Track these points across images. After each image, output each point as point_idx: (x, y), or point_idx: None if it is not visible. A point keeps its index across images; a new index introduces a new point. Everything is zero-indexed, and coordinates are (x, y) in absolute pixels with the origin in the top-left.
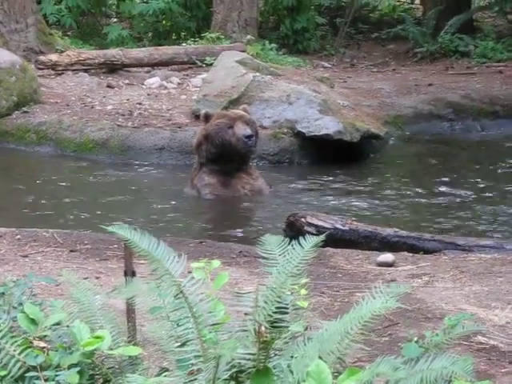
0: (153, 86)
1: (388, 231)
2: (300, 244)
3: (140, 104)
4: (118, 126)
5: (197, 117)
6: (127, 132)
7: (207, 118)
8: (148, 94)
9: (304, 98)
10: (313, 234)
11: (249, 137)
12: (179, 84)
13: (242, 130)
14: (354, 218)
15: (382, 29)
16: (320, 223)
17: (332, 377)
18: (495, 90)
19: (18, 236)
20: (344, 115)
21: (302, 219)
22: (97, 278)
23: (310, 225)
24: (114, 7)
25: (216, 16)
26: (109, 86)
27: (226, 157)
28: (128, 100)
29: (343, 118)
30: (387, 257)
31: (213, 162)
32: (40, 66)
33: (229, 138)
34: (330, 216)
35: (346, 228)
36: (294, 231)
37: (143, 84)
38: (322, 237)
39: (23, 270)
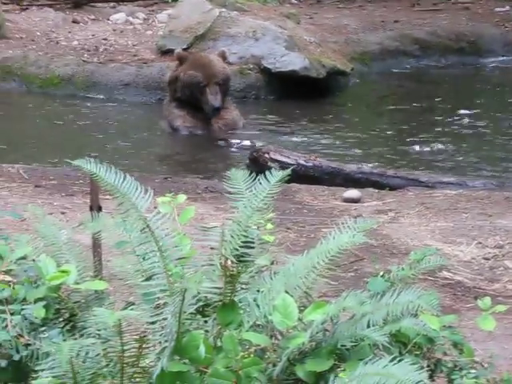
0: (118, 21)
1: (351, 167)
2: (266, 178)
3: (106, 40)
4: (84, 61)
5: (163, 52)
6: (93, 68)
7: (181, 59)
8: (114, 30)
9: (270, 34)
10: (276, 169)
11: (217, 109)
12: (145, 19)
13: (212, 98)
14: (317, 154)
15: None
16: (283, 159)
17: (298, 310)
18: (461, 27)
19: None
20: (310, 51)
21: (266, 155)
22: (62, 213)
23: (274, 160)
24: None
25: None
26: (74, 22)
27: (194, 103)
28: (93, 35)
29: (309, 54)
30: (353, 193)
31: (183, 101)
32: (5, 1)
33: (199, 96)
34: (293, 152)
35: (310, 164)
36: (257, 167)
37: (109, 19)
38: (289, 171)
39: None
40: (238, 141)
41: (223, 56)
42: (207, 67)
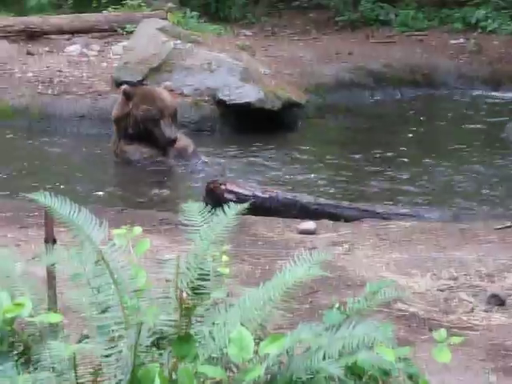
0: (73, 53)
1: (308, 199)
2: (223, 211)
3: (60, 71)
4: (39, 93)
5: (118, 84)
6: (48, 99)
7: (128, 95)
8: (68, 62)
9: (225, 66)
10: (233, 201)
11: (173, 140)
12: (100, 51)
13: (168, 131)
14: (273, 186)
15: None
16: (240, 190)
17: (254, 343)
18: (415, 59)
19: None
20: (265, 83)
21: (222, 186)
22: (17, 245)
23: (230, 192)
24: None
25: None
26: (29, 54)
27: (146, 137)
28: (48, 67)
29: (264, 86)
30: (308, 224)
31: (132, 136)
32: None
33: (153, 129)
34: (249, 183)
35: (266, 195)
36: (214, 198)
37: (63, 51)
38: (246, 205)
39: None
40: (196, 160)
41: (168, 88)
42: (159, 100)
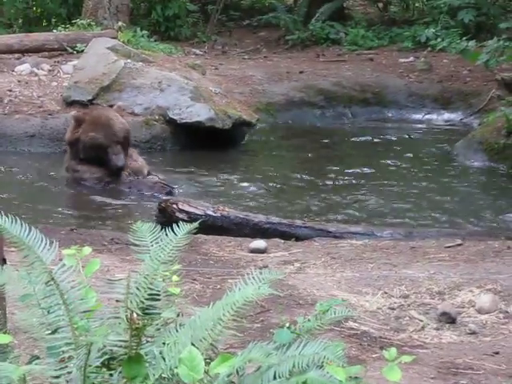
0: (23, 72)
1: (260, 218)
2: (173, 231)
3: (10, 91)
4: None
5: (68, 104)
6: None
7: (78, 120)
8: (18, 81)
9: (176, 85)
10: (184, 220)
11: (121, 168)
12: (50, 71)
13: (115, 158)
14: (225, 205)
15: (254, 16)
16: (191, 210)
17: (204, 363)
18: (366, 78)
19: None
20: (216, 102)
21: (174, 205)
22: None
23: (182, 211)
24: None
25: (87, 2)
26: None
27: (97, 161)
28: None
29: (215, 105)
30: (259, 243)
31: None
32: None
33: (102, 155)
34: (201, 202)
35: (218, 214)
36: (165, 218)
37: (13, 71)
38: (196, 224)
39: None
40: (151, 177)
41: (120, 110)
42: (107, 127)
